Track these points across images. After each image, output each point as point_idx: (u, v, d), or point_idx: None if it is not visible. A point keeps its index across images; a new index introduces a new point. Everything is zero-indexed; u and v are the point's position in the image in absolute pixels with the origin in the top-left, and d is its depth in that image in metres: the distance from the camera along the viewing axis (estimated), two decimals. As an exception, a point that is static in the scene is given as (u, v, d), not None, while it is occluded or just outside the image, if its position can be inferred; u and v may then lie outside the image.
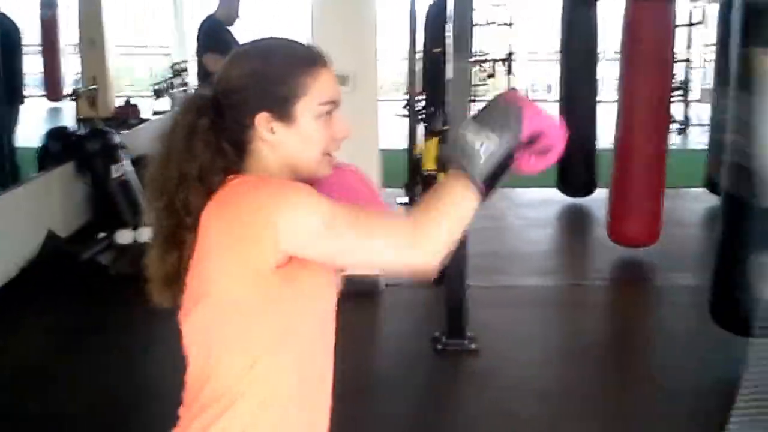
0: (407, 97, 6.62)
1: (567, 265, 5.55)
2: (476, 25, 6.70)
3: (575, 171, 6.61)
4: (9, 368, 3.72)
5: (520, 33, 12.93)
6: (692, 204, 6.91)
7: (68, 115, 7.94)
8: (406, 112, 6.48)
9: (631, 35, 5.14)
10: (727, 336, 3.57)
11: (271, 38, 1.34)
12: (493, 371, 3.77)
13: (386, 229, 1.19)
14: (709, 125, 10.80)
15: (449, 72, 3.72)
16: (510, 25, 11.09)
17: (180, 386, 3.54)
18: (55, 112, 8.46)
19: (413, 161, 5.79)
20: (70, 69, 9.29)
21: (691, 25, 10.70)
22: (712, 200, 6.53)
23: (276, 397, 1.23)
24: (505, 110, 1.20)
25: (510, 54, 11.57)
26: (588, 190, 6.80)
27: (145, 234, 5.09)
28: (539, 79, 16.60)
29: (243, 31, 6.28)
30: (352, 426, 1.54)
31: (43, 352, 3.95)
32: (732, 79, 3.29)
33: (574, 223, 6.82)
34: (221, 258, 1.17)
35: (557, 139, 1.22)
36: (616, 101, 5.35)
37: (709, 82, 13.76)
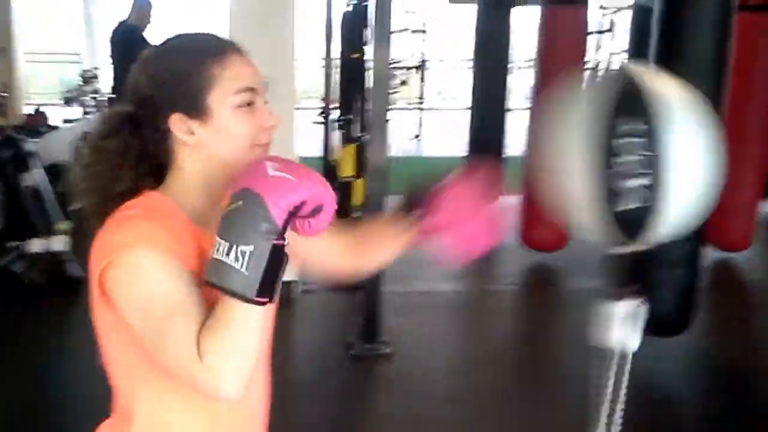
0: (323, 104, 6.61)
1: (479, 271, 5.60)
2: (391, 32, 6.69)
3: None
4: None
5: (433, 40, 13.05)
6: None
7: (-24, 123, 7.67)
8: (322, 120, 6.45)
9: (546, 42, 5.26)
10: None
11: (176, 36, 1.27)
12: (407, 376, 3.80)
13: (182, 352, 1.05)
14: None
15: (370, 78, 3.72)
16: (423, 32, 11.17)
17: (94, 394, 3.42)
18: (-38, 121, 8.14)
19: (329, 168, 5.78)
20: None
21: (600, 32, 11.02)
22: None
23: (163, 426, 1.24)
24: (245, 212, 1.03)
25: (423, 61, 11.66)
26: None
27: (57, 242, 4.99)
28: (450, 87, 16.89)
29: (158, 37, 6.23)
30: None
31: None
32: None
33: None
34: (91, 287, 1.17)
35: (319, 197, 1.06)
36: (526, 108, 5.45)
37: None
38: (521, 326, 4.79)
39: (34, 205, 5.46)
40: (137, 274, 1.10)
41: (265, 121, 1.21)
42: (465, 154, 6.69)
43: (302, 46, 5.59)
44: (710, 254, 4.64)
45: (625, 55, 7.31)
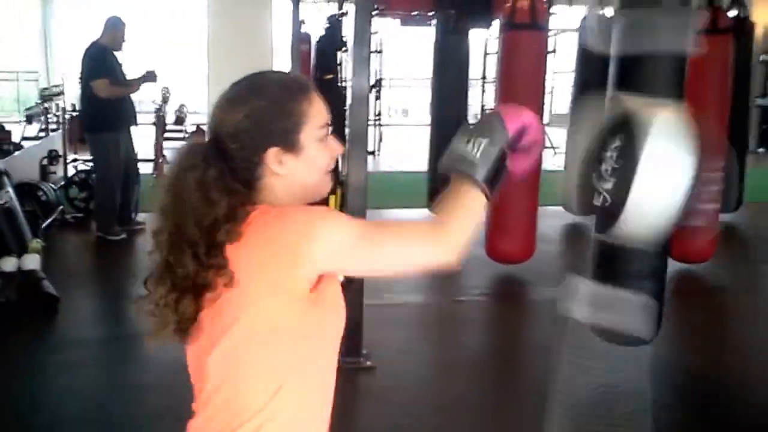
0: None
1: (447, 282, 5.76)
2: (346, 51, 6.94)
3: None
4: None
5: (388, 60, 13.29)
6: (555, 221, 7.34)
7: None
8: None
9: (506, 62, 5.47)
10: (605, 346, 3.86)
11: (257, 74, 1.34)
12: (389, 387, 3.88)
13: (411, 233, 1.28)
14: (554, 148, 11.48)
15: (347, 97, 3.88)
16: (380, 52, 11.40)
17: (72, 414, 3.51)
18: None
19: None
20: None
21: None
22: (571, 218, 7.06)
23: (301, 418, 1.30)
24: (488, 118, 1.36)
25: (379, 80, 11.88)
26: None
27: (29, 261, 4.99)
28: (402, 104, 17.22)
29: (132, 57, 6.28)
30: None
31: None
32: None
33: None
34: (252, 287, 1.21)
35: (537, 132, 1.39)
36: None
37: (556, 107, 14.65)
38: (493, 335, 4.94)
39: (6, 224, 5.42)
40: (337, 222, 1.24)
41: (335, 150, 1.36)
42: (427, 169, 6.88)
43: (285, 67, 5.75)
44: (673, 266, 4.86)
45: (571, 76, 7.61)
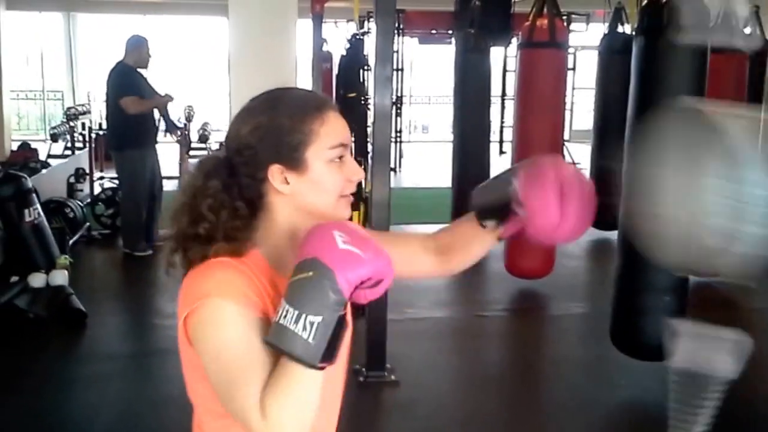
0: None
1: (469, 298, 5.81)
2: (368, 69, 7.04)
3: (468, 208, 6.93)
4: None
5: (408, 78, 13.41)
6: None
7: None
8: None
9: (525, 80, 5.53)
10: (627, 360, 3.90)
11: (276, 89, 1.31)
12: (413, 401, 3.92)
13: (245, 402, 1.10)
14: (576, 164, 11.47)
15: (370, 115, 3.96)
16: (400, 70, 11.50)
17: (101, 429, 3.58)
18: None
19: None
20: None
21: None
22: (593, 233, 7.06)
23: None
24: (315, 282, 1.08)
25: (400, 97, 11.98)
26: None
27: (57, 277, 5.08)
28: (422, 121, 17.35)
29: (155, 76, 6.39)
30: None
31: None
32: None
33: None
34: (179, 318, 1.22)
35: (384, 270, 1.12)
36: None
37: (578, 123, 14.68)
38: (514, 350, 4.96)
39: (34, 240, 5.53)
40: (214, 325, 1.16)
41: (352, 175, 1.28)
42: (450, 185, 6.94)
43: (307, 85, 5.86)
44: (691, 279, 4.87)
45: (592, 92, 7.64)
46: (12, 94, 11.60)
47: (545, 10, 5.31)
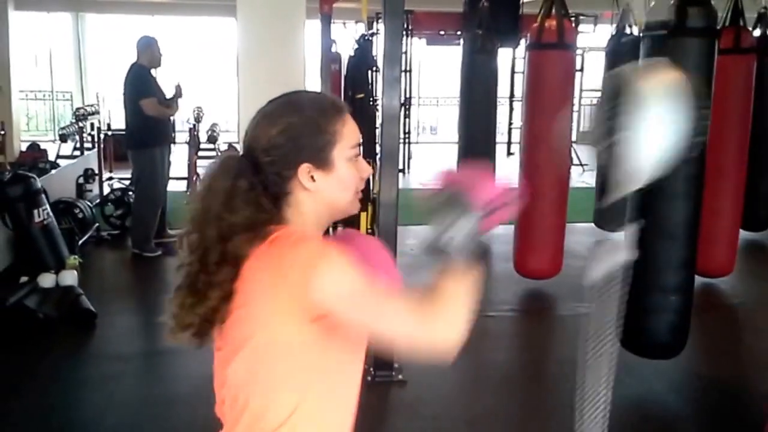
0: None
1: (477, 298, 5.81)
2: (377, 70, 7.07)
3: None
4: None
5: (415, 79, 13.42)
6: (584, 238, 7.35)
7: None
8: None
9: (533, 81, 5.54)
10: (633, 359, 3.90)
11: (293, 93, 1.40)
12: (421, 401, 3.94)
13: (408, 309, 1.25)
14: (584, 165, 11.51)
15: (378, 117, 3.97)
16: (408, 71, 11.52)
17: (110, 428, 3.62)
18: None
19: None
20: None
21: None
22: (600, 234, 7.10)
23: (326, 430, 1.34)
24: (456, 198, 1.34)
25: (408, 98, 11.99)
26: (489, 229, 7.14)
27: (67, 277, 5.11)
28: (430, 122, 17.36)
29: (164, 76, 6.46)
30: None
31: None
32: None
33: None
34: (264, 305, 1.25)
35: (505, 198, 1.35)
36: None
37: (584, 125, 14.68)
38: (522, 350, 4.99)
39: (44, 240, 5.57)
40: (342, 270, 1.23)
41: (364, 172, 1.40)
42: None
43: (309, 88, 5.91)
44: (696, 280, 4.88)
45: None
46: (21, 94, 11.65)
47: (553, 11, 5.31)
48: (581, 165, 11.78)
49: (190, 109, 10.57)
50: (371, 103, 5.81)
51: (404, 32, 10.03)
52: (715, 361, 4.63)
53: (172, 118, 6.78)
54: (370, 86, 5.73)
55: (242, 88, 4.97)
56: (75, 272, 5.38)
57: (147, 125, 6.27)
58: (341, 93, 7.30)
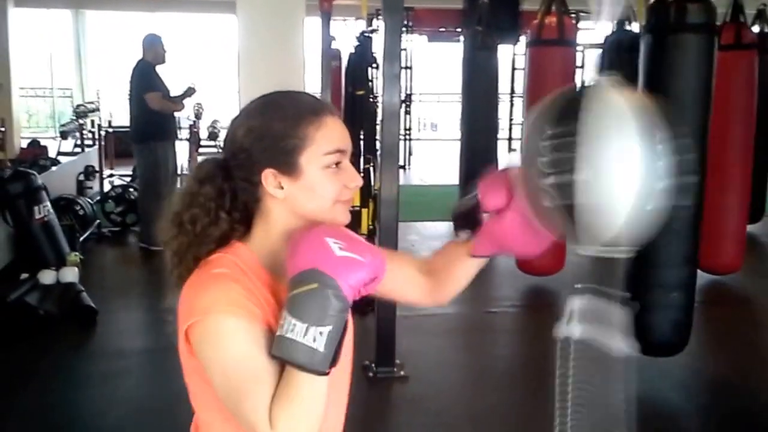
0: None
1: (479, 294, 5.81)
2: (377, 67, 7.08)
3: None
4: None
5: (416, 75, 13.41)
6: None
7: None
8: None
9: (534, 77, 5.54)
10: (638, 357, 3.90)
11: (275, 93, 1.30)
12: (423, 397, 3.94)
13: (254, 414, 1.11)
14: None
15: (379, 113, 3.98)
16: (409, 68, 11.52)
17: (112, 425, 3.61)
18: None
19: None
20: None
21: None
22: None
23: None
24: (321, 293, 1.08)
25: (408, 95, 12.00)
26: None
27: (68, 274, 5.12)
28: (430, 118, 17.38)
29: (166, 73, 6.51)
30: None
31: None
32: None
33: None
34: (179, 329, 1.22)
35: (379, 268, 1.15)
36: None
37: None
38: (524, 345, 4.98)
39: (44, 237, 5.58)
40: (220, 339, 1.15)
41: (350, 182, 1.25)
42: (458, 182, 6.96)
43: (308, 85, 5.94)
44: (703, 277, 4.88)
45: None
46: (21, 91, 11.66)
47: (554, 7, 5.31)
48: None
49: (191, 105, 10.57)
50: (371, 99, 5.81)
51: (404, 29, 10.03)
52: (722, 358, 4.62)
53: (177, 114, 6.82)
54: (370, 83, 5.74)
55: (242, 84, 4.98)
56: (76, 269, 5.38)
57: (151, 120, 6.33)
58: (341, 90, 7.32)
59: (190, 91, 6.68)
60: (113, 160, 9.68)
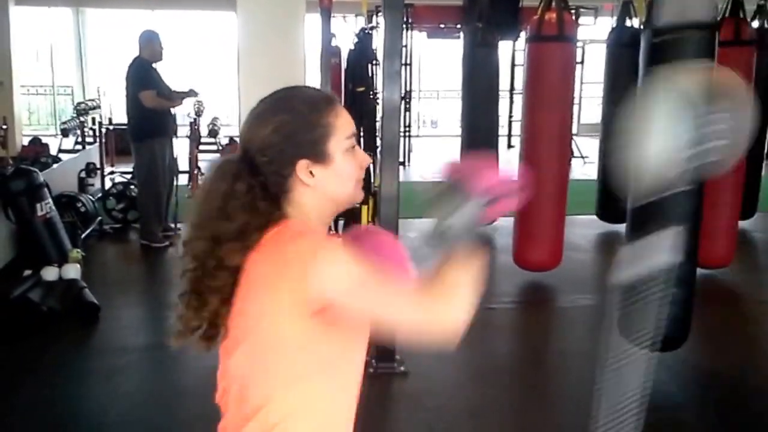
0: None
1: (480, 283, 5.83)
2: (377, 64, 7.10)
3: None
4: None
5: (416, 72, 13.44)
6: (585, 230, 7.38)
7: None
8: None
9: (534, 74, 5.54)
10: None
11: (282, 90, 1.38)
12: (423, 392, 3.95)
13: (410, 296, 1.28)
14: (584, 157, 11.53)
15: (379, 110, 3.99)
16: (408, 65, 11.52)
17: (115, 421, 3.62)
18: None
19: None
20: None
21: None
22: (602, 226, 7.16)
23: (329, 420, 1.34)
24: (453, 189, 1.34)
25: (408, 91, 12.00)
26: (492, 219, 7.18)
27: (70, 271, 5.12)
28: (431, 115, 17.38)
29: (165, 70, 6.51)
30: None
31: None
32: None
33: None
34: (265, 298, 1.25)
35: (507, 187, 1.35)
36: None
37: (585, 117, 14.70)
38: (523, 342, 5.01)
39: (46, 234, 5.60)
40: (341, 261, 1.23)
41: (363, 161, 1.39)
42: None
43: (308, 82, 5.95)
44: (696, 272, 4.89)
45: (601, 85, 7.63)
46: (22, 89, 11.66)
47: (553, 3, 5.32)
48: (582, 157, 11.82)
49: (190, 103, 10.58)
50: (371, 96, 5.82)
51: (404, 25, 10.04)
52: (717, 353, 4.65)
53: (173, 110, 6.81)
54: (370, 80, 5.76)
55: (242, 81, 5.00)
56: (78, 265, 5.39)
57: (147, 117, 6.32)
58: (341, 86, 7.32)
59: (191, 93, 6.68)
60: (114, 157, 9.68)
